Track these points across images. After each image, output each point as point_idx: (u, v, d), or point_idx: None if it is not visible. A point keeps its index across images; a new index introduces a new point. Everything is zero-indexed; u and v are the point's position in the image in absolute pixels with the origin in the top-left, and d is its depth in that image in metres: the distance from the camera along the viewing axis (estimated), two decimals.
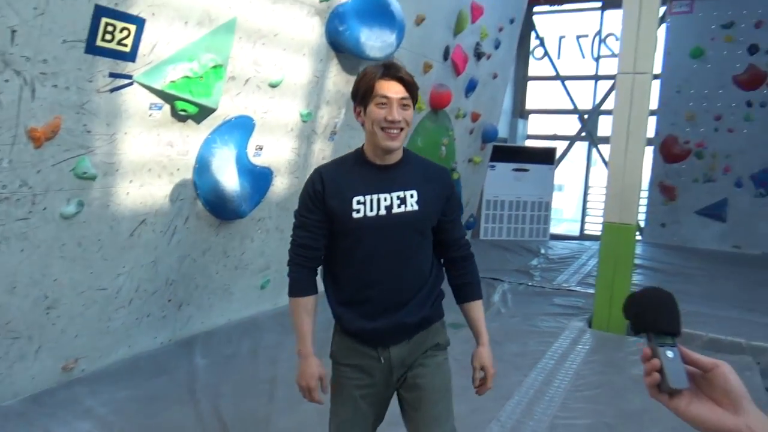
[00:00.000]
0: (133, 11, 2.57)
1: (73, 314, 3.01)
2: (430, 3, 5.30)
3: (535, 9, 9.43)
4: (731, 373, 0.75)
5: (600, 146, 9.35)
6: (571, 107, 9.66)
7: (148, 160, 3.03)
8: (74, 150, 2.64)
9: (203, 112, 3.09)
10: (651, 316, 0.79)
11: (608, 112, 9.26)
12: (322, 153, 4.28)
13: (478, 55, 6.64)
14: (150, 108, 2.87)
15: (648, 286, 0.85)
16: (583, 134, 9.58)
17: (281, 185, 4.01)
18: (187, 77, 2.83)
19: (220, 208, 3.45)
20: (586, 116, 9.50)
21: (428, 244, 1.79)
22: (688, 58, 8.05)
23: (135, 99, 2.80)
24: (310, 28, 3.57)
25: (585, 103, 9.64)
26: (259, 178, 3.72)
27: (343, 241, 1.71)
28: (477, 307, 1.82)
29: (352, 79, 4.16)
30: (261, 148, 3.66)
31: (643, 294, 0.82)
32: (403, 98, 1.62)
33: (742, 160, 7.81)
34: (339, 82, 4.03)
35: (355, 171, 1.70)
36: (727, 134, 7.91)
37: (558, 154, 9.22)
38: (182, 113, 2.95)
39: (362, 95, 1.64)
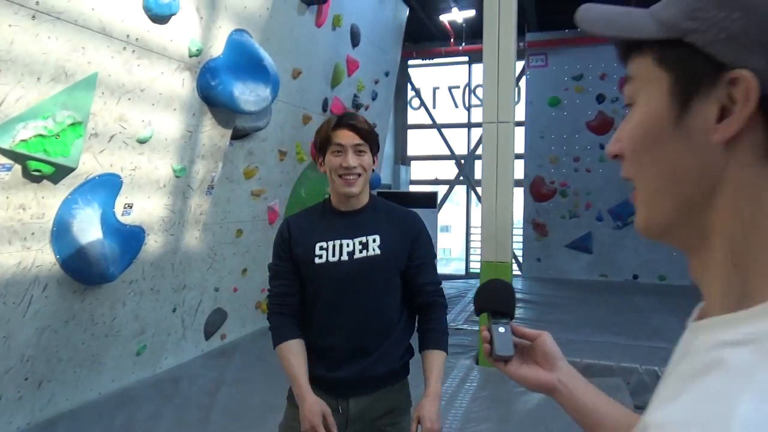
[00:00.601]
0: None
1: None
2: (305, 57, 5.42)
3: (410, 62, 9.95)
4: (549, 339, 0.89)
5: (477, 188, 9.90)
6: (449, 153, 10.19)
7: None
8: None
9: (61, 172, 2.89)
10: (488, 300, 0.97)
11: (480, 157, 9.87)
12: (200, 208, 4.14)
13: (357, 107, 6.85)
14: None
15: (492, 279, 1.02)
16: (461, 178, 10.11)
17: (155, 244, 3.81)
18: (40, 135, 2.64)
19: (85, 273, 3.20)
20: (462, 161, 10.04)
21: (396, 292, 1.77)
22: (547, 106, 8.84)
23: None
24: (179, 82, 3.49)
25: (461, 149, 10.22)
26: (129, 238, 3.51)
27: (309, 286, 1.75)
28: (433, 357, 1.73)
29: (228, 132, 4.11)
30: (131, 206, 3.47)
31: (486, 284, 1.00)
32: (357, 144, 1.70)
33: (601, 196, 8.61)
34: (214, 135, 3.96)
35: (320, 218, 1.77)
36: (585, 174, 8.70)
37: (440, 197, 9.62)
38: (36, 174, 2.73)
39: (320, 145, 1.74)
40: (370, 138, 1.74)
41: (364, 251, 1.72)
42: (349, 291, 1.71)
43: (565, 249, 8.90)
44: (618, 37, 0.53)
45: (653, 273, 8.36)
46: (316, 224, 1.77)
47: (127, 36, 3.06)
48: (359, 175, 1.70)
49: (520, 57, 6.54)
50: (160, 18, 3.17)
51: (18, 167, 2.73)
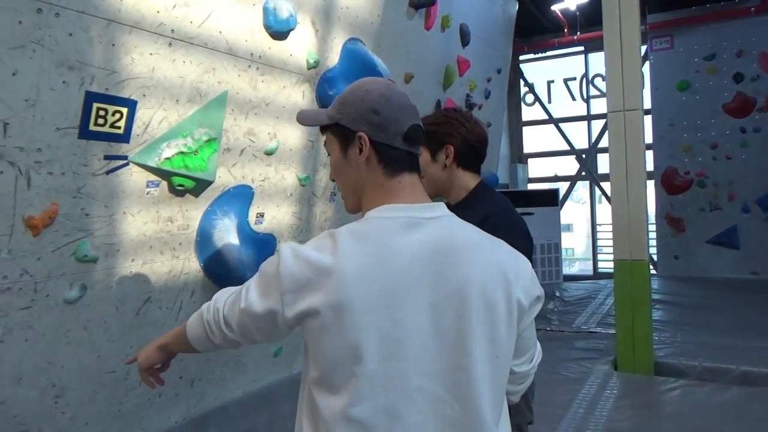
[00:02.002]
0: (124, 94, 2.65)
1: (82, 401, 2.95)
2: (416, 61, 5.45)
3: (521, 57, 9.68)
4: None
5: (602, 183, 9.37)
6: (568, 148, 9.75)
7: (149, 238, 3.04)
8: (73, 234, 2.65)
9: (201, 186, 3.13)
10: None
11: (605, 150, 9.33)
12: (324, 215, 4.29)
13: (470, 107, 6.77)
14: (147, 186, 2.91)
15: None
16: (583, 173, 9.62)
17: None
18: (182, 153, 2.88)
19: (226, 279, 3.43)
20: (584, 155, 9.57)
21: None
22: (675, 91, 8.17)
23: (131, 178, 2.84)
24: (300, 94, 3.66)
25: (581, 143, 9.74)
26: (262, 246, 3.72)
27: None
28: None
29: None
30: (262, 215, 3.68)
31: None
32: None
33: (745, 185, 7.79)
34: None
35: None
36: (725, 162, 7.92)
37: (561, 194, 9.23)
38: (180, 188, 2.98)
39: None
40: (431, 139, 1.70)
41: None
42: None
43: (706, 245, 8.14)
44: (313, 125, 1.19)
45: None
46: None
47: (251, 54, 3.25)
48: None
49: (642, 41, 6.12)
50: (279, 34, 3.34)
51: (164, 183, 2.99)
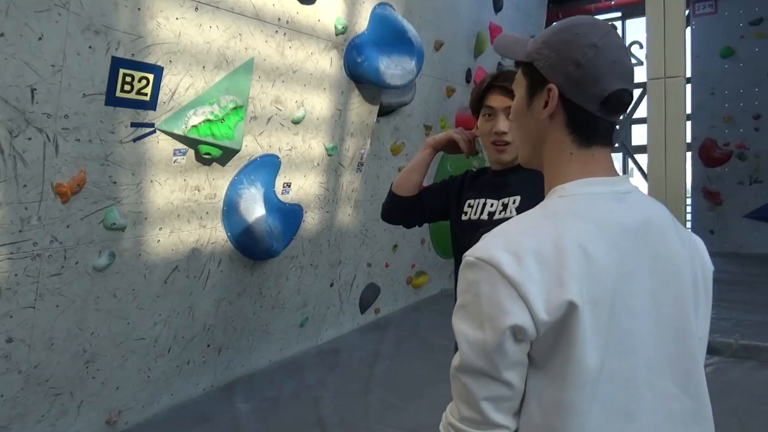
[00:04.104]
0: (151, 60, 2.60)
1: (112, 366, 2.99)
2: (447, 28, 5.29)
3: (554, 24, 9.37)
4: None
5: (636, 156, 9.10)
6: None
7: (176, 207, 3.03)
8: (102, 202, 2.65)
9: (227, 154, 3.09)
10: None
11: (640, 121, 9.04)
12: (351, 185, 4.23)
13: None
14: (174, 154, 2.88)
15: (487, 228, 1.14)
16: (617, 145, 9.35)
17: (312, 221, 3.97)
18: (208, 120, 2.84)
19: (252, 249, 3.42)
20: (617, 126, 9.28)
21: None
22: (718, 58, 7.81)
23: (158, 146, 2.81)
24: (328, 61, 3.57)
25: None
26: (289, 216, 3.69)
27: (454, 240, 1.77)
28: None
29: (375, 109, 4.14)
30: (289, 185, 3.64)
31: (483, 233, 1.10)
32: (510, 107, 1.56)
33: None
34: (362, 113, 4.01)
35: (482, 176, 1.77)
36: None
37: None
38: (207, 156, 2.95)
39: (474, 108, 1.69)
40: None
41: (503, 212, 1.62)
42: None
43: (744, 220, 7.86)
44: (507, 55, 0.96)
45: None
46: (476, 182, 1.77)
47: (279, 19, 3.17)
48: (509, 141, 1.60)
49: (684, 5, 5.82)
50: None
51: (191, 152, 2.97)
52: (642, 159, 8.96)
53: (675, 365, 0.86)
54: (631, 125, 9.22)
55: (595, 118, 0.87)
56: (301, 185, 3.76)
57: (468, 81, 5.90)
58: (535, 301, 0.76)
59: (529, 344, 0.79)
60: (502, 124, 1.59)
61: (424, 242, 5.77)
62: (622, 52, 0.87)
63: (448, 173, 5.85)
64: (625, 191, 0.88)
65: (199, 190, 3.11)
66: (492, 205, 1.66)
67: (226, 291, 3.52)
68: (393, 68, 3.72)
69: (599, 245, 0.81)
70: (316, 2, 3.32)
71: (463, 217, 1.71)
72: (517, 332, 0.77)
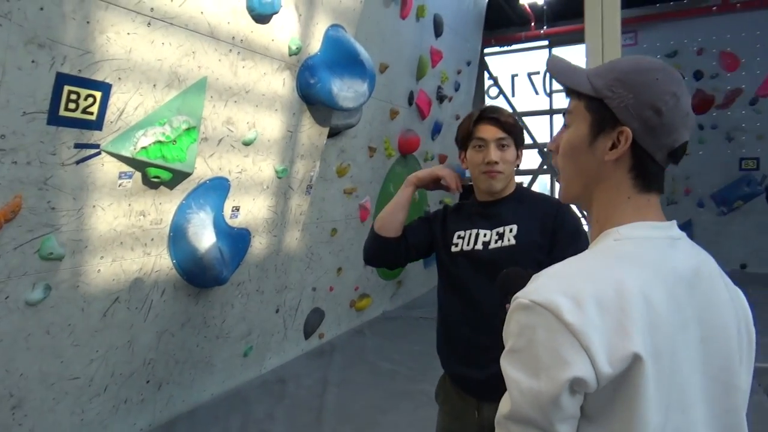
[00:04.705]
0: (98, 77, 2.40)
1: (42, 410, 2.71)
2: (392, 51, 5.31)
3: (486, 50, 9.66)
4: None
5: None
6: (531, 142, 9.83)
7: (120, 233, 2.81)
8: (38, 230, 2.40)
9: (178, 178, 2.91)
10: (510, 284, 1.17)
11: None
12: (300, 208, 4.11)
13: (441, 98, 6.68)
14: (119, 177, 2.67)
15: (510, 268, 1.28)
16: (545, 167, 9.73)
17: (260, 246, 3.81)
18: (159, 142, 2.65)
19: (200, 277, 3.22)
20: (545, 149, 9.66)
21: None
22: None
23: (103, 169, 2.60)
24: (280, 82, 3.46)
25: (543, 137, 9.83)
26: (237, 241, 3.52)
27: (446, 275, 1.75)
28: None
29: (325, 130, 4.06)
30: (238, 209, 3.48)
31: (508, 272, 1.25)
32: (500, 138, 1.64)
33: (701, 180, 8.02)
34: (312, 134, 3.91)
35: (465, 208, 1.76)
36: (684, 157, 8.13)
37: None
38: (155, 180, 2.75)
39: (462, 140, 1.72)
40: (513, 131, 1.67)
41: (500, 241, 1.64)
42: (481, 281, 1.63)
43: None
44: (567, 84, 0.89)
45: (764, 261, 7.72)
46: (460, 215, 1.76)
47: (233, 38, 3.03)
48: (501, 171, 1.64)
49: None
50: (262, 17, 3.14)
51: (137, 175, 2.76)
52: None
53: (722, 420, 0.83)
54: None
55: (657, 166, 0.85)
56: (250, 209, 3.60)
57: (410, 103, 5.94)
58: (598, 352, 0.70)
59: (584, 396, 0.73)
60: (494, 154, 1.63)
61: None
62: (689, 103, 0.85)
63: (391, 194, 5.84)
64: (677, 237, 0.86)
65: (144, 216, 2.90)
66: (486, 235, 1.66)
67: (169, 322, 3.30)
68: (346, 90, 3.66)
69: (659, 293, 0.77)
70: (271, 22, 3.21)
71: (454, 249, 1.69)
72: (575, 385, 0.71)
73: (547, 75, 9.47)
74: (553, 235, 1.62)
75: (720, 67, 7.79)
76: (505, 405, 0.76)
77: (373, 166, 5.47)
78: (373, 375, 4.37)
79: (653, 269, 0.79)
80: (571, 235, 1.63)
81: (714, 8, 7.73)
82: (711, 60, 7.84)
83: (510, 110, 9.81)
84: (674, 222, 0.89)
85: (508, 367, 0.76)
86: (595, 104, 0.85)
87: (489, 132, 1.64)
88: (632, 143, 0.83)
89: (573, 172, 0.90)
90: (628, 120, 0.82)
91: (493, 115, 1.65)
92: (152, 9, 2.54)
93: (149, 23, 2.55)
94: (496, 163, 1.63)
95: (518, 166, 1.72)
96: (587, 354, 0.70)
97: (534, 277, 0.80)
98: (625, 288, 0.74)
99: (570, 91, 0.90)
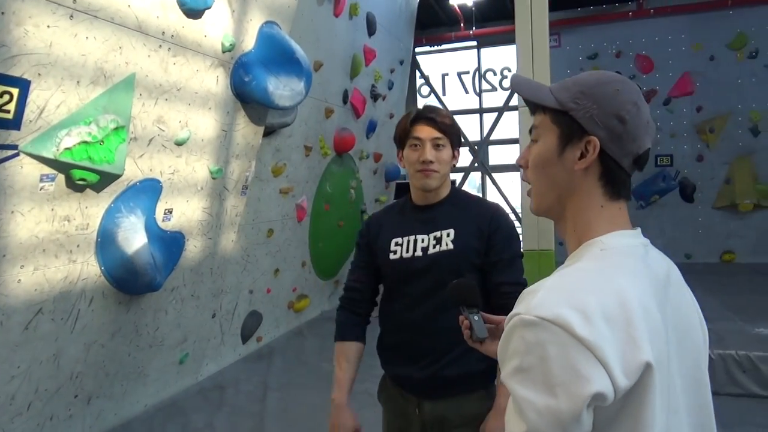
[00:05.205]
0: (15, 72, 2.23)
1: None
2: (326, 49, 5.27)
3: (418, 50, 9.77)
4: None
5: (494, 174, 9.75)
6: (462, 140, 10.03)
7: (42, 240, 2.63)
8: None
9: (106, 180, 2.75)
10: (461, 295, 1.20)
11: (497, 142, 9.73)
12: (235, 209, 4.00)
13: (375, 97, 6.70)
14: (41, 180, 2.50)
15: (459, 279, 1.26)
16: (476, 165, 9.96)
17: (194, 249, 3.68)
18: (84, 142, 2.50)
19: (131, 283, 3.07)
20: (476, 147, 9.89)
21: None
22: None
23: (22, 172, 2.42)
24: (214, 80, 3.35)
25: (473, 135, 10.06)
26: (170, 245, 3.38)
27: (385, 282, 1.76)
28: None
29: (261, 129, 3.97)
30: (170, 212, 3.34)
31: (456, 284, 1.23)
32: (435, 138, 1.65)
33: None
34: (248, 133, 3.81)
35: (400, 214, 1.75)
36: None
37: (456, 184, 9.48)
38: (81, 183, 2.59)
39: (399, 139, 1.73)
40: (449, 131, 1.68)
41: (438, 246, 1.65)
42: (421, 287, 1.65)
43: None
44: (531, 99, 0.91)
45: (679, 252, 8.22)
46: (395, 220, 1.76)
47: (163, 33, 2.91)
48: (436, 170, 1.66)
49: None
50: (194, 12, 3.02)
51: (61, 177, 2.59)
52: (498, 177, 9.64)
53: (697, 418, 0.87)
54: (488, 146, 9.87)
55: (624, 173, 0.88)
56: (184, 211, 3.47)
57: (345, 102, 5.91)
58: (614, 365, 0.70)
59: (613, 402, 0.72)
60: (429, 153, 1.64)
61: (305, 265, 5.64)
62: (648, 112, 0.89)
63: (327, 193, 5.79)
64: (646, 243, 0.90)
65: (69, 221, 2.73)
66: (423, 240, 1.67)
67: (98, 332, 3.12)
68: (281, 89, 3.59)
69: (651, 300, 0.79)
70: (203, 17, 3.10)
71: (392, 257, 1.70)
72: (595, 399, 0.70)
73: (477, 74, 9.70)
74: (489, 239, 1.64)
75: (636, 69, 8.23)
76: (517, 425, 0.73)
77: (309, 165, 5.40)
78: (314, 377, 4.31)
79: (642, 277, 0.82)
80: (506, 238, 1.66)
81: (630, 14, 8.16)
82: (628, 62, 8.27)
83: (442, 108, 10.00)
84: (639, 228, 0.92)
85: (517, 387, 0.73)
86: (562, 117, 0.88)
87: (425, 132, 1.66)
88: (600, 152, 0.85)
89: (545, 184, 0.91)
90: (595, 129, 0.85)
91: (430, 115, 1.67)
92: (75, 1, 2.39)
93: (72, 16, 2.39)
94: (431, 162, 1.64)
95: (455, 165, 1.73)
96: (604, 368, 0.70)
97: (528, 291, 0.79)
98: (626, 298, 0.75)
99: (535, 107, 0.92)
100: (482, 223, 1.65)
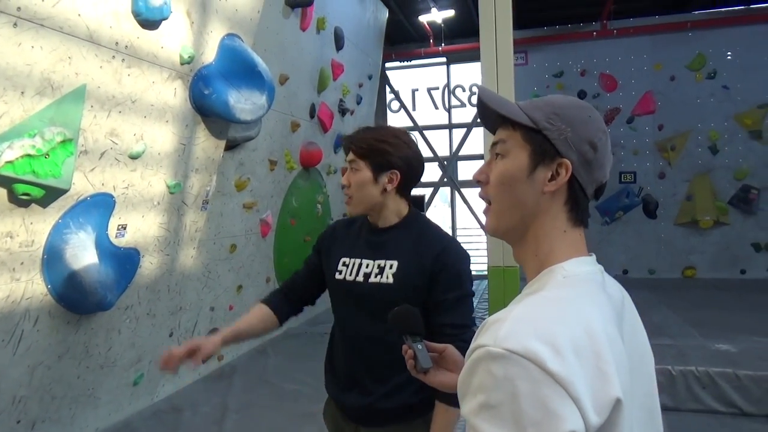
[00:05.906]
0: None
1: None
2: (292, 62, 5.22)
3: (387, 65, 9.80)
4: (453, 349, 1.19)
5: (462, 189, 9.79)
6: (432, 155, 10.06)
7: None
8: None
9: (51, 195, 2.63)
10: (404, 323, 1.16)
11: (466, 158, 9.78)
12: (195, 225, 3.89)
13: (342, 112, 6.66)
14: None
15: (399, 306, 1.20)
16: (445, 180, 9.98)
17: (150, 266, 3.56)
18: (28, 155, 2.39)
19: (80, 302, 2.94)
20: (445, 162, 9.93)
21: None
22: None
23: None
24: (171, 92, 3.26)
25: (443, 151, 10.10)
26: (124, 262, 3.26)
27: (331, 298, 1.73)
28: (438, 414, 1.50)
29: (222, 143, 3.89)
30: (124, 227, 3.22)
31: (398, 311, 1.18)
32: (351, 161, 1.61)
33: None
34: (208, 147, 3.72)
35: (357, 231, 1.70)
36: None
37: (426, 200, 9.49)
38: (24, 198, 2.47)
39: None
40: (363, 153, 1.59)
41: (379, 276, 1.58)
42: (358, 315, 1.61)
43: None
44: (503, 112, 0.86)
45: (643, 268, 8.37)
46: (350, 237, 1.71)
47: (116, 43, 2.82)
48: (349, 194, 1.63)
49: None
50: (150, 23, 2.94)
51: (3, 191, 2.47)
52: (467, 192, 9.69)
53: None
54: (457, 162, 9.92)
55: (587, 200, 0.87)
56: (139, 227, 3.35)
57: (312, 116, 5.86)
58: (585, 401, 0.66)
59: None
60: (345, 177, 1.63)
61: (270, 281, 5.53)
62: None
63: (293, 208, 5.71)
64: (602, 270, 0.88)
65: (12, 237, 2.60)
66: (368, 266, 1.61)
67: (43, 354, 2.97)
68: (243, 102, 3.52)
69: (613, 329, 0.77)
70: (160, 27, 3.02)
71: (337, 276, 1.65)
72: None
73: (446, 90, 9.77)
74: (433, 278, 1.54)
75: (600, 87, 8.40)
76: None
77: (274, 180, 5.32)
78: (275, 397, 4.20)
79: (605, 306, 0.80)
80: (453, 277, 1.55)
81: (594, 33, 8.34)
82: (593, 81, 8.43)
83: (411, 123, 9.95)
84: (594, 255, 0.90)
85: (484, 425, 0.67)
86: (535, 135, 0.85)
87: (347, 156, 1.65)
88: (570, 176, 0.84)
89: (509, 203, 0.87)
90: (568, 152, 0.83)
91: (348, 139, 1.65)
92: (19, 8, 2.29)
93: (15, 24, 2.29)
94: (346, 186, 1.62)
95: (386, 190, 1.59)
96: (576, 405, 0.65)
97: (492, 321, 0.73)
98: (594, 329, 0.72)
99: (501, 122, 0.89)
100: (427, 260, 1.55)
